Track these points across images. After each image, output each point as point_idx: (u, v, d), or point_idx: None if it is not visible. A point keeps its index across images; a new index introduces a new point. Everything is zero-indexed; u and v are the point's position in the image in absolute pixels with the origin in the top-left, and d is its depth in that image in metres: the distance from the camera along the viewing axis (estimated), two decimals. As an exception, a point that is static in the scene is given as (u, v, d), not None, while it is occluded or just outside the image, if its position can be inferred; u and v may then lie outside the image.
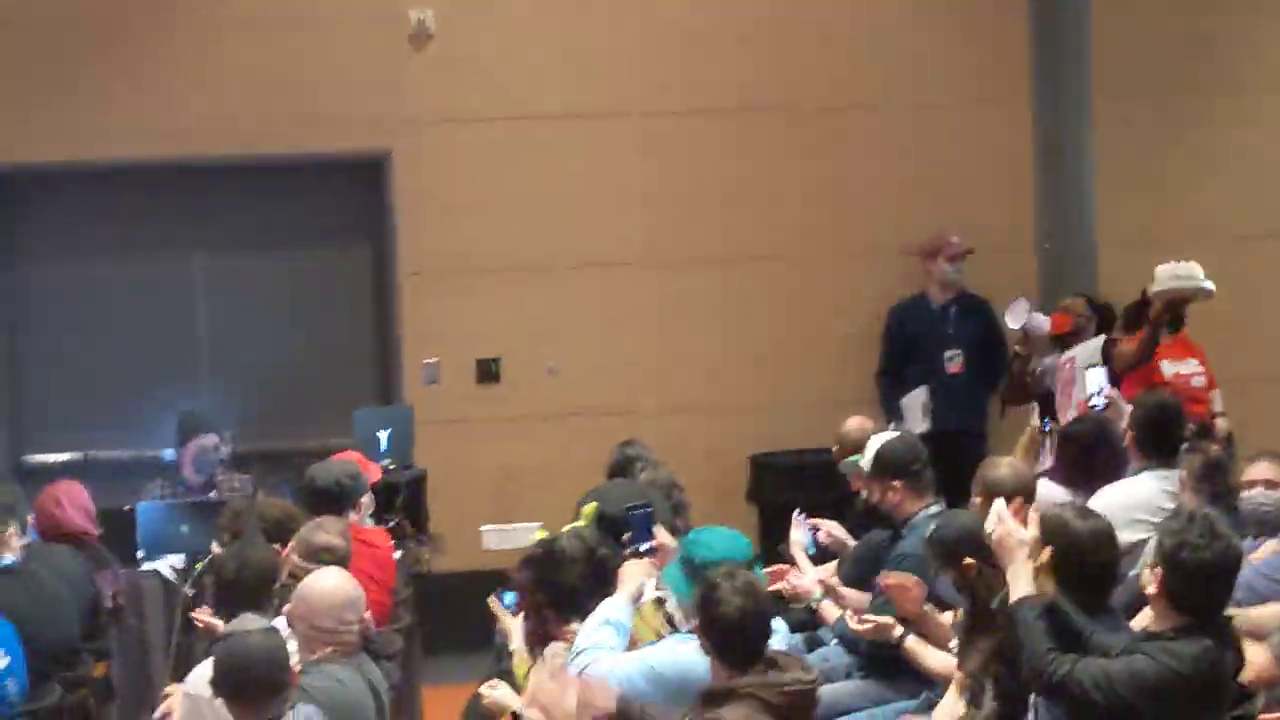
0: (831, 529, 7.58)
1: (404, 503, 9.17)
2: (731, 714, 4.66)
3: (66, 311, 10.61)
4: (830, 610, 6.83)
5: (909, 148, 10.84)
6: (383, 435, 9.36)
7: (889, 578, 6.25)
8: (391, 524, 8.86)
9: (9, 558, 6.92)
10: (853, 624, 6.34)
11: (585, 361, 10.67)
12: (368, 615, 5.72)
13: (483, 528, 9.22)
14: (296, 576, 5.93)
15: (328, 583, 5.60)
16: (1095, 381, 8.50)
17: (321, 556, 6.19)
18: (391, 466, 9.25)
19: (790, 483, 10.05)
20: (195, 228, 10.70)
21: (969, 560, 5.40)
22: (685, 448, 9.60)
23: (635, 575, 5.76)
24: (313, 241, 10.81)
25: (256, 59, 10.42)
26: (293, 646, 5.38)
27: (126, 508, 8.59)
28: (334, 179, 10.87)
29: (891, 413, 9.84)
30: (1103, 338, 9.16)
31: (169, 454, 9.67)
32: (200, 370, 10.70)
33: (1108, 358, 8.82)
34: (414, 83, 10.62)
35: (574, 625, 5.62)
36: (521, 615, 5.95)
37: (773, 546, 8.02)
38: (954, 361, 10.36)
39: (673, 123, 10.78)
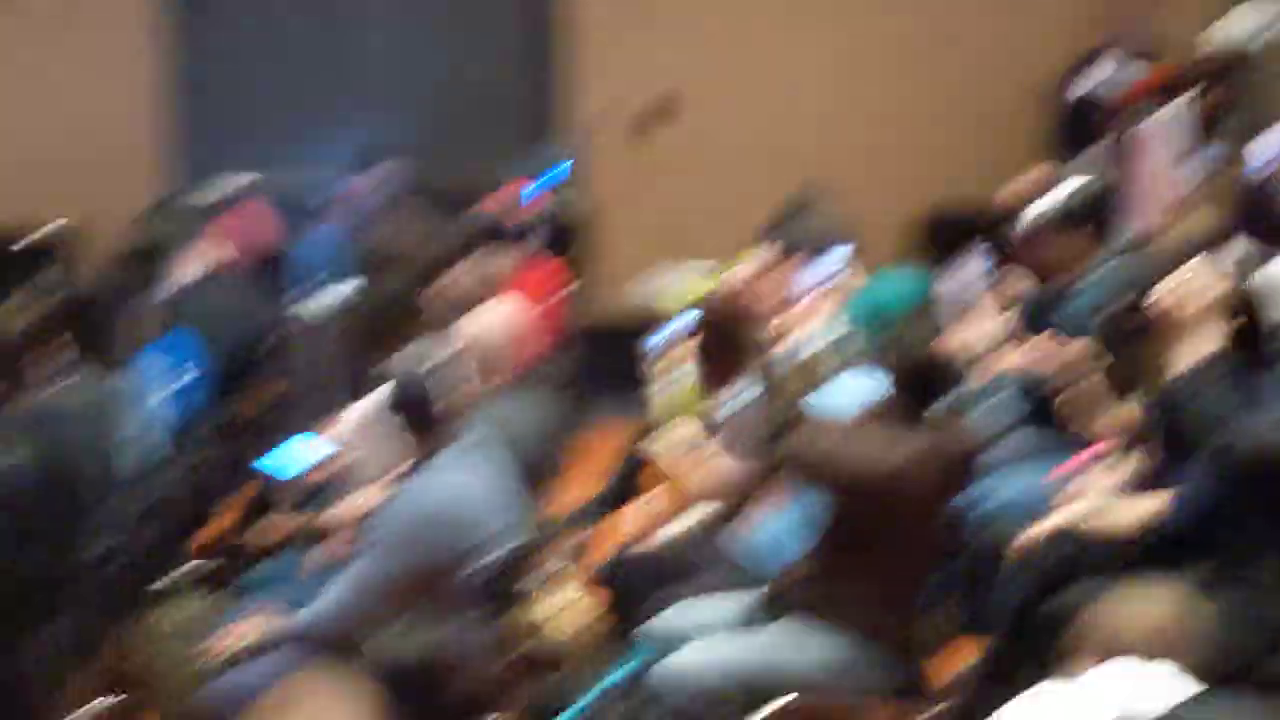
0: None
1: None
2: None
3: (238, 42, 10.60)
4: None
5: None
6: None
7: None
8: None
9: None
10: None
11: (766, 105, 10.46)
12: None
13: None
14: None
15: (503, 313, 5.63)
16: None
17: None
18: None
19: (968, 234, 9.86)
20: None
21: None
22: (867, 192, 9.38)
23: None
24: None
25: None
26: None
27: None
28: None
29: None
30: None
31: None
32: (371, 98, 10.66)
33: None
34: None
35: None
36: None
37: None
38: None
39: None
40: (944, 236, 10.12)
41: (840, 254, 6.18)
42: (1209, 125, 8.67)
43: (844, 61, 10.47)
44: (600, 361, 8.25)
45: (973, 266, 7.38)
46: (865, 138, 10.40)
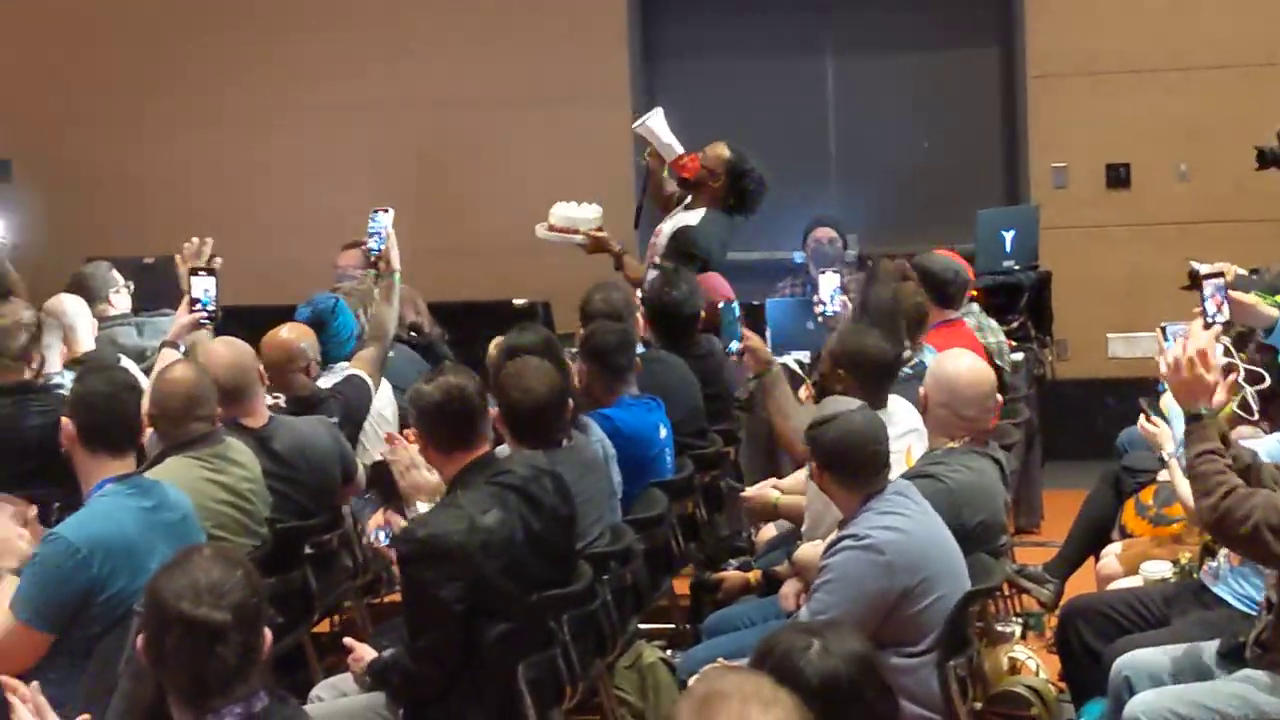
0: None
1: (1027, 304, 9.14)
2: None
3: (704, 112, 10.95)
4: None
5: None
6: (1007, 236, 9.32)
7: None
8: (1013, 324, 8.88)
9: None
10: None
11: (1218, 167, 10.29)
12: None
13: (1109, 335, 9.11)
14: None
15: (976, 371, 5.65)
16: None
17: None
18: (1015, 268, 9.23)
19: None
20: (826, 30, 10.86)
21: None
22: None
23: None
24: (941, 42, 10.81)
25: None
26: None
27: (756, 303, 8.87)
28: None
29: None
30: None
31: (799, 256, 9.88)
32: (829, 172, 10.90)
33: None
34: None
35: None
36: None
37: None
38: None
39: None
40: None
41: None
42: None
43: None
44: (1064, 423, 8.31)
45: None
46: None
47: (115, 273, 7.70)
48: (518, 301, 9.19)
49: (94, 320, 7.04)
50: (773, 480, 6.53)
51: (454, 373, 5.01)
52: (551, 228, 7.67)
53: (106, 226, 10.64)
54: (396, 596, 6.05)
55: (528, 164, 10.61)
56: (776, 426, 6.71)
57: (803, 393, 6.90)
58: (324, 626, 6.65)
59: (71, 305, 6.97)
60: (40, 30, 11.19)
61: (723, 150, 8.15)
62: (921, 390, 5.68)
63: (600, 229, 7.98)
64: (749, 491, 6.48)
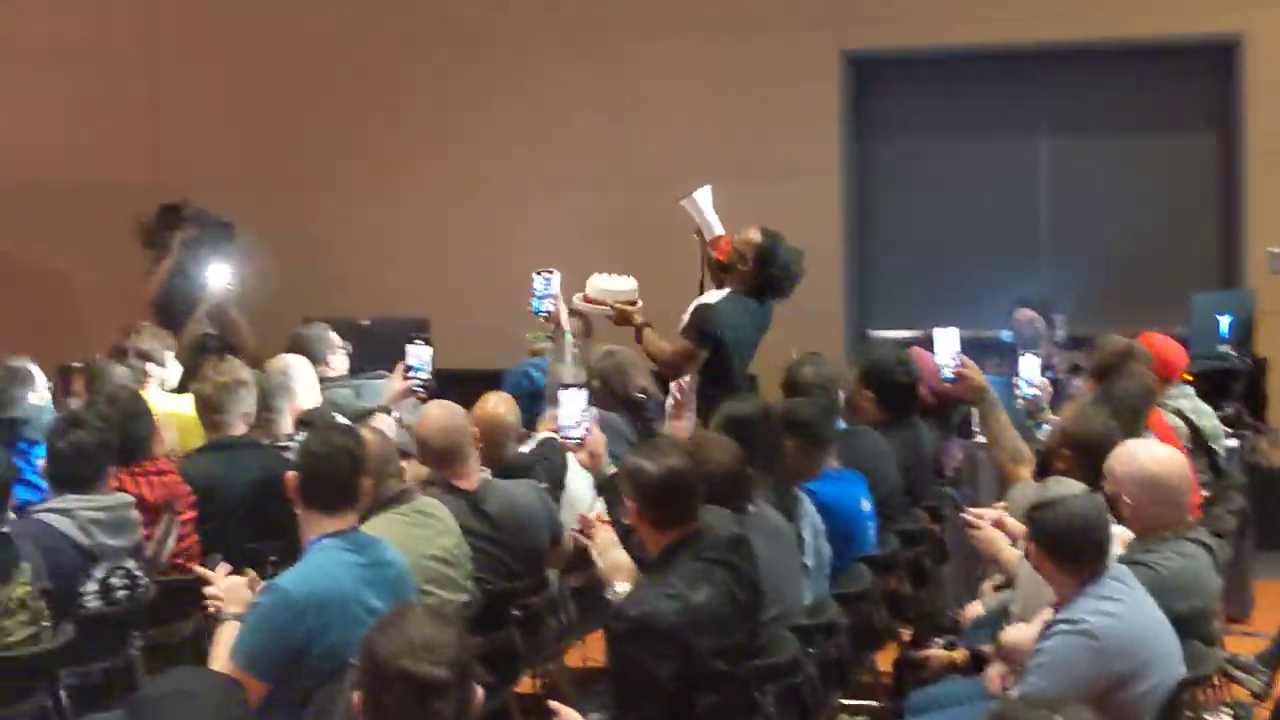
0: None
1: (1242, 390, 8.99)
2: None
3: (915, 191, 10.98)
4: None
5: None
6: (1222, 320, 9.18)
7: None
8: (1228, 412, 8.73)
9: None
10: None
11: None
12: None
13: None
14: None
15: (1175, 461, 5.56)
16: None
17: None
18: (1231, 353, 9.08)
19: None
20: (1040, 111, 10.82)
21: None
22: None
23: None
24: (1158, 125, 10.71)
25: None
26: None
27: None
28: (1182, 62, 10.71)
29: None
30: None
31: (1006, 335, 9.82)
32: (1039, 252, 10.83)
33: None
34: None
35: None
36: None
37: None
38: None
39: None
40: None
41: None
42: None
43: None
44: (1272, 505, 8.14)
45: None
46: None
47: (333, 334, 7.88)
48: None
49: (315, 380, 7.21)
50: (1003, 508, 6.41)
51: (673, 451, 5.06)
52: (587, 299, 7.63)
53: (323, 288, 10.90)
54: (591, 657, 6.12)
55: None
56: (992, 455, 6.76)
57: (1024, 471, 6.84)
58: (526, 686, 6.71)
59: (295, 365, 7.15)
60: (264, 102, 11.52)
61: (754, 235, 8.01)
62: (1111, 488, 5.48)
63: (634, 301, 7.90)
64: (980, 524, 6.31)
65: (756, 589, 5.06)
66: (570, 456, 6.75)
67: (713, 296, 8.05)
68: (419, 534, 5.60)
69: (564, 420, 6.46)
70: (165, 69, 11.73)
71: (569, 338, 7.05)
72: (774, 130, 10.82)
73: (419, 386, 6.79)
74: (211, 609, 4.82)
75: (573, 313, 7.64)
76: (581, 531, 5.93)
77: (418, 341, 6.78)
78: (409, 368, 6.75)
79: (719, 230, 8.18)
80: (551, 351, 7.51)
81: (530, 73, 11.16)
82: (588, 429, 6.49)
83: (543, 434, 6.88)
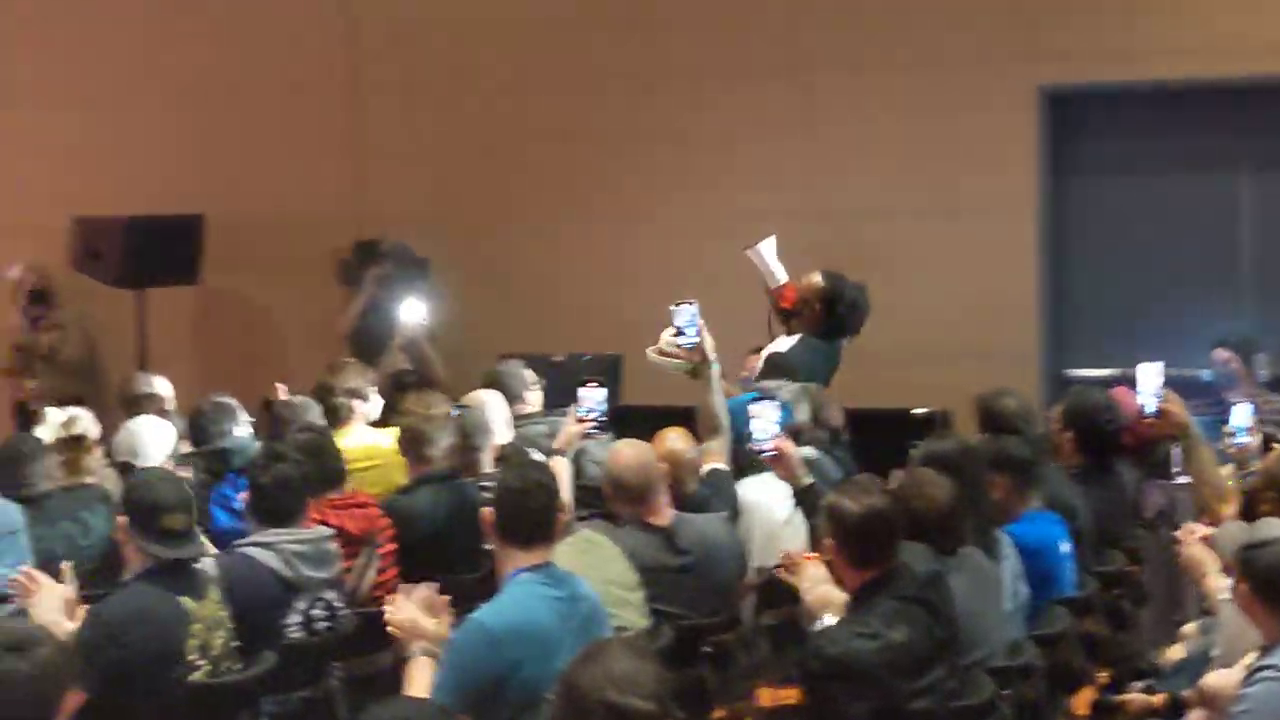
0: None
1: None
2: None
3: (1112, 228, 10.83)
4: None
5: None
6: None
7: None
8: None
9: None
10: None
11: None
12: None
13: None
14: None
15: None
16: None
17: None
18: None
19: None
20: (1241, 147, 10.62)
21: None
22: None
23: None
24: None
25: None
26: None
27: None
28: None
29: None
30: None
31: (1206, 375, 9.65)
32: (1241, 291, 10.62)
33: None
34: None
35: None
36: None
37: None
38: None
39: None
40: None
41: None
42: None
43: None
44: None
45: None
46: None
47: (528, 371, 7.95)
48: (917, 411, 9.15)
49: (510, 416, 7.30)
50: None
51: (873, 491, 5.07)
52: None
53: (517, 324, 11.00)
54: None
55: (930, 274, 10.61)
56: (1194, 492, 6.73)
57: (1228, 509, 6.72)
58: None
59: (491, 401, 7.24)
60: (463, 138, 11.68)
61: (816, 280, 8.20)
62: None
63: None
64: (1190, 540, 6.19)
65: (954, 626, 5.03)
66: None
67: (783, 344, 8.11)
68: (589, 560, 5.64)
69: (757, 433, 6.41)
70: (367, 105, 11.94)
71: (715, 368, 7.00)
72: (970, 166, 10.73)
73: (595, 429, 6.84)
74: (398, 642, 4.81)
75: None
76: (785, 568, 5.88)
77: (590, 384, 6.83)
78: (584, 410, 6.81)
79: (783, 278, 8.34)
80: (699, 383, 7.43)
81: (730, 105, 11.18)
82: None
83: (711, 464, 6.87)
